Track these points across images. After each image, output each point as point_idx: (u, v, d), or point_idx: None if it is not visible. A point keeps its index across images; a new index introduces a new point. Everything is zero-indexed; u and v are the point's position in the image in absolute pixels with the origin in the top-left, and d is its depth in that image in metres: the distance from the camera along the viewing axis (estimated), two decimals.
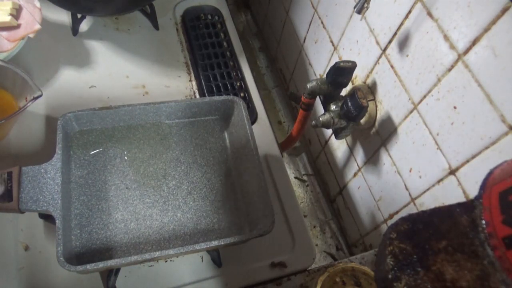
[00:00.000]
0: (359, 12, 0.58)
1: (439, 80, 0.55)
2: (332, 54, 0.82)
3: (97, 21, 0.83)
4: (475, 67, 0.49)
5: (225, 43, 0.88)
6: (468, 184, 0.53)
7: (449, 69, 0.53)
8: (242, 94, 0.81)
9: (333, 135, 0.89)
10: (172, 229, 0.60)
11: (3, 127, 0.62)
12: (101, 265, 0.49)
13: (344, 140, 0.84)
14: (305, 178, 1.04)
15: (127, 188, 0.61)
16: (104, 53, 0.80)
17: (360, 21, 0.70)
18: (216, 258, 0.63)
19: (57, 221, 0.51)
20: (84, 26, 0.81)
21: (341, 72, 0.66)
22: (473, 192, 0.52)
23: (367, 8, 0.57)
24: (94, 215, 0.58)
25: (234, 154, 0.67)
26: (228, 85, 0.81)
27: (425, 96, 0.58)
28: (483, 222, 0.26)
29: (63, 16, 0.81)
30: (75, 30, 0.79)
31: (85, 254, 0.56)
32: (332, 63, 0.71)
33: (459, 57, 0.51)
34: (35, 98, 0.60)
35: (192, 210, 0.62)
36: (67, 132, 0.61)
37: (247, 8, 1.28)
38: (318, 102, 0.76)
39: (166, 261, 0.63)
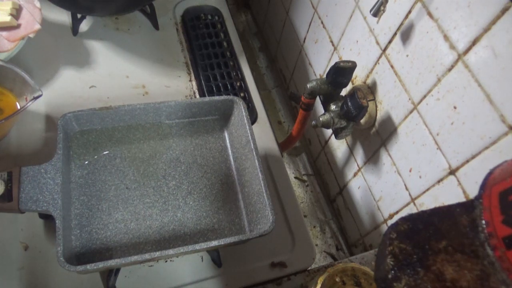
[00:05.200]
0: (375, 15, 0.57)
1: (439, 80, 0.55)
2: (332, 54, 0.82)
3: (97, 21, 0.83)
4: (475, 67, 0.49)
5: (225, 43, 0.88)
6: (468, 184, 0.53)
7: (449, 69, 0.53)
8: (242, 94, 0.81)
9: (333, 135, 0.89)
10: (172, 229, 0.60)
11: (3, 127, 0.62)
12: (101, 265, 0.49)
13: (344, 140, 0.84)
14: (305, 178, 1.04)
15: (127, 188, 0.61)
16: (104, 53, 0.80)
17: (360, 21, 0.70)
18: (216, 258, 0.63)
19: (57, 221, 0.51)
20: (84, 26, 0.81)
21: (341, 72, 0.66)
22: (473, 192, 0.52)
23: (384, 11, 0.57)
24: (94, 215, 0.58)
25: (234, 154, 0.67)
26: (228, 85, 0.81)
27: (425, 96, 0.58)
28: (483, 222, 0.26)
29: (63, 16, 0.81)
30: (75, 30, 0.79)
31: (85, 254, 0.56)
32: (332, 63, 0.71)
33: (459, 57, 0.51)
34: (35, 98, 0.60)
35: (192, 210, 0.62)
36: (67, 132, 0.61)
37: (247, 8, 1.28)
38: (318, 102, 0.76)
39: (166, 261, 0.63)
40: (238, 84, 0.83)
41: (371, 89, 0.70)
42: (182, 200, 0.62)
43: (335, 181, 0.92)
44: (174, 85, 0.80)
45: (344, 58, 0.78)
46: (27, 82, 0.60)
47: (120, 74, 0.78)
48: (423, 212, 0.30)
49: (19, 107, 0.63)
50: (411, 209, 0.66)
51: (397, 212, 0.71)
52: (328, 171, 0.95)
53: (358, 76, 0.74)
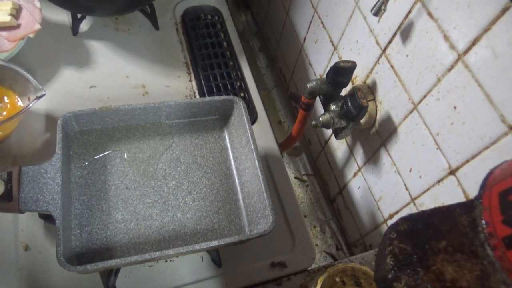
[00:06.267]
0: (376, 14, 0.57)
1: (439, 80, 0.55)
2: (332, 54, 0.82)
3: (97, 21, 0.83)
4: (475, 67, 0.49)
5: (225, 43, 0.88)
6: (468, 184, 0.53)
7: (449, 69, 0.53)
8: (242, 94, 0.81)
9: (333, 135, 0.89)
10: (172, 229, 0.60)
11: (7, 127, 0.62)
12: (101, 265, 0.49)
13: (344, 140, 0.84)
14: (305, 178, 1.04)
15: (127, 188, 0.61)
16: (104, 53, 0.80)
17: (360, 21, 0.70)
18: (216, 258, 0.63)
19: (57, 221, 0.51)
20: (84, 26, 0.81)
21: (341, 72, 0.66)
22: (473, 192, 0.52)
23: (384, 10, 0.57)
24: (94, 215, 0.58)
25: (234, 154, 0.67)
26: (228, 85, 0.81)
27: (425, 96, 0.58)
28: (483, 222, 0.26)
29: (63, 16, 0.81)
30: (75, 30, 0.79)
31: (85, 254, 0.56)
32: (332, 63, 0.71)
33: (459, 57, 0.51)
34: (39, 98, 0.60)
35: (192, 210, 0.62)
36: (67, 132, 0.61)
37: (247, 8, 1.28)
38: (318, 102, 0.76)
39: (166, 261, 0.63)
40: (238, 84, 0.83)
41: (371, 89, 0.70)
42: (182, 200, 0.62)
43: (335, 181, 0.92)
44: (174, 85, 0.80)
45: (344, 58, 0.78)
46: (30, 81, 0.60)
47: (120, 74, 0.78)
48: (423, 212, 0.30)
49: (21, 107, 0.63)
50: (411, 209, 0.66)
51: (397, 212, 0.71)
52: (328, 171, 0.95)
53: (358, 76, 0.74)
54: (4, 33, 0.66)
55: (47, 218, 0.61)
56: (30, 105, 0.59)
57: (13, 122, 0.63)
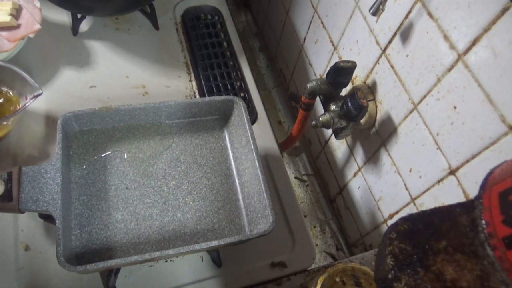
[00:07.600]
0: (374, 14, 0.57)
1: (439, 80, 0.55)
2: (332, 54, 0.82)
3: (97, 21, 0.83)
4: (475, 67, 0.49)
5: (225, 43, 0.88)
6: (468, 184, 0.53)
7: (449, 69, 0.53)
8: (242, 94, 0.81)
9: (333, 135, 0.89)
10: (172, 229, 0.60)
11: (4, 126, 0.62)
12: (101, 265, 0.49)
13: (344, 140, 0.84)
14: (305, 178, 1.04)
15: (127, 188, 0.61)
16: (104, 53, 0.80)
17: (360, 21, 0.70)
18: (216, 258, 0.63)
19: (57, 221, 0.51)
20: (84, 26, 0.81)
21: (341, 72, 0.66)
22: (473, 192, 0.52)
23: (383, 10, 0.57)
24: (94, 215, 0.58)
25: (234, 154, 0.67)
26: (228, 85, 0.81)
27: (425, 96, 0.58)
28: (483, 222, 0.26)
29: (63, 16, 0.81)
30: (75, 30, 0.79)
31: (85, 254, 0.56)
32: (332, 63, 0.71)
33: (459, 57, 0.51)
34: (36, 97, 0.60)
35: (192, 210, 0.62)
36: (67, 132, 0.61)
37: (247, 8, 1.28)
38: (318, 102, 0.76)
39: (166, 261, 0.63)
40: (238, 84, 0.83)
41: (371, 89, 0.70)
42: (182, 200, 0.62)
43: (335, 181, 0.92)
44: (174, 85, 0.80)
45: (344, 58, 0.78)
46: (27, 81, 0.60)
47: (120, 74, 0.78)
48: (423, 212, 0.30)
49: (19, 107, 0.63)
50: (411, 209, 0.66)
51: (397, 212, 0.71)
52: (328, 171, 0.95)
53: (358, 76, 0.74)
54: (4, 33, 0.66)
55: (47, 218, 0.61)
56: (27, 104, 0.59)
57: (10, 122, 0.63)
